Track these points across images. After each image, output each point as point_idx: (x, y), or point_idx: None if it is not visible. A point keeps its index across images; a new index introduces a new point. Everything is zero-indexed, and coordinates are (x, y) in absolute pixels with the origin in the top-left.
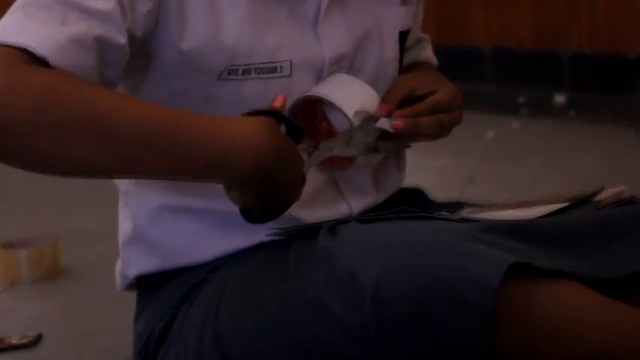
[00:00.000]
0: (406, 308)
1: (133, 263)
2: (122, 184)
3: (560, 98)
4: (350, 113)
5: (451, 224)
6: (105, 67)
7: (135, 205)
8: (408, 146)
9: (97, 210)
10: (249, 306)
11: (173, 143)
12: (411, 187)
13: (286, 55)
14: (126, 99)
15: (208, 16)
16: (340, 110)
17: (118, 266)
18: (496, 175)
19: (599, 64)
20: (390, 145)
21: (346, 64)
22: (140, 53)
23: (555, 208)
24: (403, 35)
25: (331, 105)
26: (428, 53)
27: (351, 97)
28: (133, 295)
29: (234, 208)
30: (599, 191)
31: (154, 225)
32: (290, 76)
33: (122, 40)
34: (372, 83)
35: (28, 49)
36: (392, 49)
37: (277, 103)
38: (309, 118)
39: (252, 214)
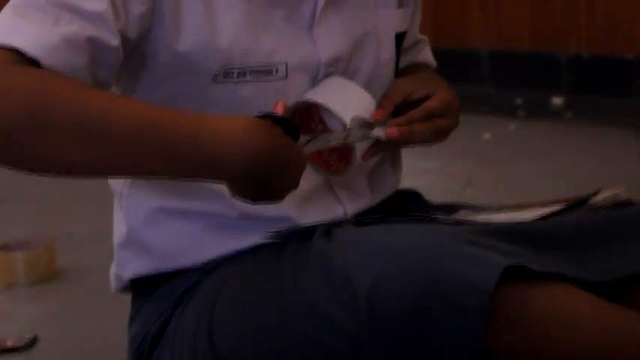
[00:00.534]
0: (401, 311)
1: (128, 266)
2: (116, 186)
3: (557, 100)
4: (347, 120)
5: (446, 227)
6: (97, 68)
7: (129, 208)
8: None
9: (92, 212)
10: (244, 308)
11: (163, 142)
12: (407, 190)
13: (282, 58)
14: (116, 98)
15: (204, 17)
16: (336, 116)
17: (113, 268)
18: (493, 177)
19: (597, 67)
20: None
21: (342, 66)
22: (135, 55)
23: (552, 211)
24: (399, 37)
25: (328, 110)
26: (426, 55)
27: (348, 102)
28: (128, 297)
29: (228, 211)
30: (596, 193)
31: (149, 227)
32: (286, 78)
33: (115, 41)
34: (368, 85)
35: (20, 49)
36: (388, 51)
37: (277, 110)
38: (304, 121)
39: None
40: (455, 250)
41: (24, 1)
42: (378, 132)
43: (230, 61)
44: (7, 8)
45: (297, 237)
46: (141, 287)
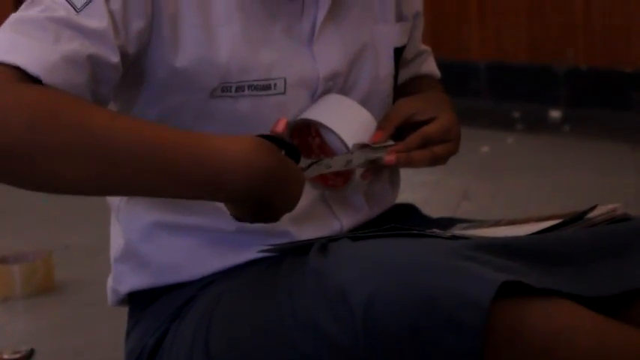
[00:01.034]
0: (397, 327)
1: (125, 279)
2: (114, 200)
3: (555, 114)
4: (350, 144)
5: (442, 242)
6: (97, 85)
7: (126, 222)
8: None
9: (89, 225)
10: (240, 323)
11: (166, 162)
12: (404, 204)
13: (280, 73)
14: (119, 117)
15: (202, 33)
16: (339, 139)
17: (110, 282)
18: (491, 190)
19: (595, 80)
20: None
21: (340, 81)
22: (133, 70)
23: (548, 226)
24: (398, 52)
25: (328, 129)
26: (430, 66)
27: (351, 124)
28: (125, 311)
29: (225, 226)
30: (592, 209)
31: (146, 242)
32: (284, 93)
33: (115, 58)
34: (366, 100)
35: (21, 67)
36: (387, 66)
37: (279, 128)
38: (302, 135)
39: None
40: (451, 265)
41: (24, 17)
42: (378, 154)
43: (228, 76)
44: (6, 24)
45: (294, 252)
46: (138, 301)
